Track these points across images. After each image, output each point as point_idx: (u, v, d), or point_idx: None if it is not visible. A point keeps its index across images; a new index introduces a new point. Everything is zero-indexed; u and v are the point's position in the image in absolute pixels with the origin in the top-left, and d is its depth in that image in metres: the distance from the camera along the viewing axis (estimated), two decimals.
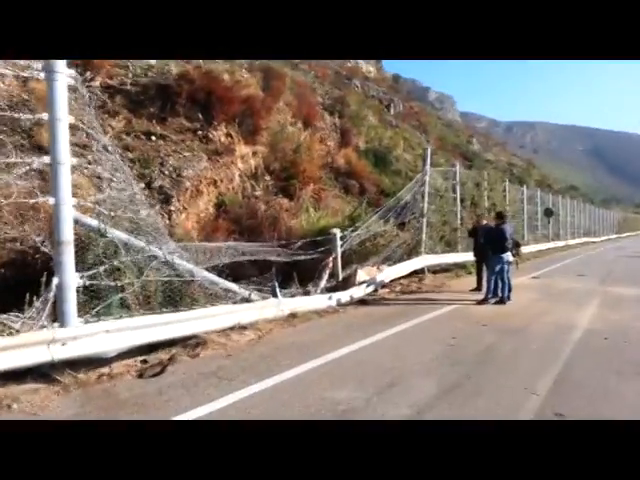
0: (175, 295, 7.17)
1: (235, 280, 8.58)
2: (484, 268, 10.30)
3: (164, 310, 6.13)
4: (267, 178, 16.15)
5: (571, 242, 29.14)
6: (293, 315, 7.42)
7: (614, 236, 47.43)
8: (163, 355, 5.40)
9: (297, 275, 10.39)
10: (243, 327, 6.54)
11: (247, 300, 7.97)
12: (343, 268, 10.91)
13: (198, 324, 5.92)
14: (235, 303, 7.49)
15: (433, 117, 50.69)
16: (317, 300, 8.32)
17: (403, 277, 11.59)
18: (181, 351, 5.48)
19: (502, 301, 8.93)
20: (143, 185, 11.04)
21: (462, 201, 16.15)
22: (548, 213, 23.74)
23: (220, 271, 9.27)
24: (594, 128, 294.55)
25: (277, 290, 7.60)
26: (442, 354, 5.50)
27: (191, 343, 5.75)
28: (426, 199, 13.38)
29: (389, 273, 10.94)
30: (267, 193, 15.32)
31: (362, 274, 10.95)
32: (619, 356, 5.48)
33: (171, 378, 4.70)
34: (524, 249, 17.60)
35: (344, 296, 8.98)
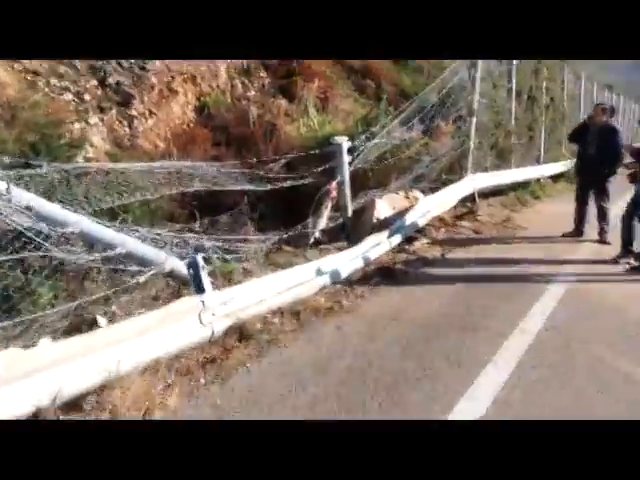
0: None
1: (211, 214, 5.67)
2: (591, 199, 5.87)
3: None
4: (262, 75, 11.75)
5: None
6: (237, 330, 3.23)
7: None
8: None
9: (293, 209, 6.56)
10: (74, 404, 2.37)
11: (172, 277, 3.99)
12: (355, 196, 6.67)
13: None
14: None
15: None
16: (294, 277, 4.02)
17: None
18: None
19: None
20: (95, 82, 7.28)
21: (518, 94, 11.29)
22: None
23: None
24: None
25: (201, 275, 3.32)
26: None
27: None
28: (478, 88, 8.58)
29: (428, 206, 6.54)
30: (263, 94, 11.11)
31: (383, 206, 6.68)
32: None
33: None
34: None
35: (351, 261, 4.71)
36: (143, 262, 3.84)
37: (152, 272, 3.80)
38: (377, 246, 5.27)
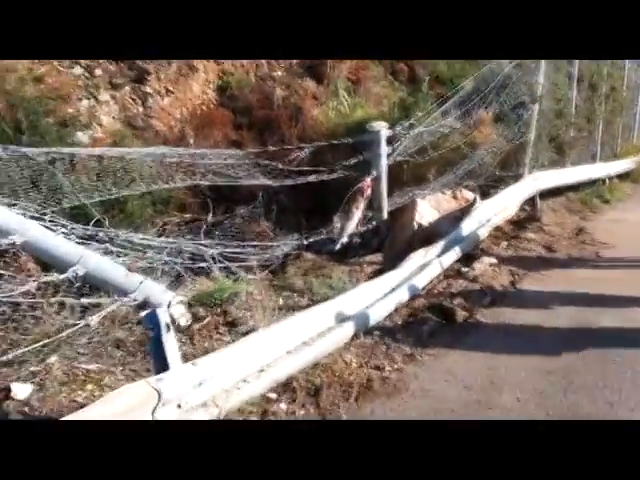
0: None
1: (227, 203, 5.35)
2: None
3: None
4: None
5: None
6: None
7: None
8: None
9: (318, 202, 5.77)
10: None
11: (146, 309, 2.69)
12: (390, 195, 5.40)
13: None
14: None
15: None
16: (312, 325, 2.70)
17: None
18: None
19: None
20: None
21: (578, 81, 9.65)
22: None
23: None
24: None
25: (164, 340, 2.04)
26: None
27: None
28: (543, 69, 7.03)
29: (489, 212, 5.12)
30: (289, 74, 9.97)
31: (426, 208, 5.35)
32: None
33: None
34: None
35: (392, 293, 3.35)
36: (107, 288, 2.58)
37: (113, 306, 2.54)
38: (425, 268, 3.90)
